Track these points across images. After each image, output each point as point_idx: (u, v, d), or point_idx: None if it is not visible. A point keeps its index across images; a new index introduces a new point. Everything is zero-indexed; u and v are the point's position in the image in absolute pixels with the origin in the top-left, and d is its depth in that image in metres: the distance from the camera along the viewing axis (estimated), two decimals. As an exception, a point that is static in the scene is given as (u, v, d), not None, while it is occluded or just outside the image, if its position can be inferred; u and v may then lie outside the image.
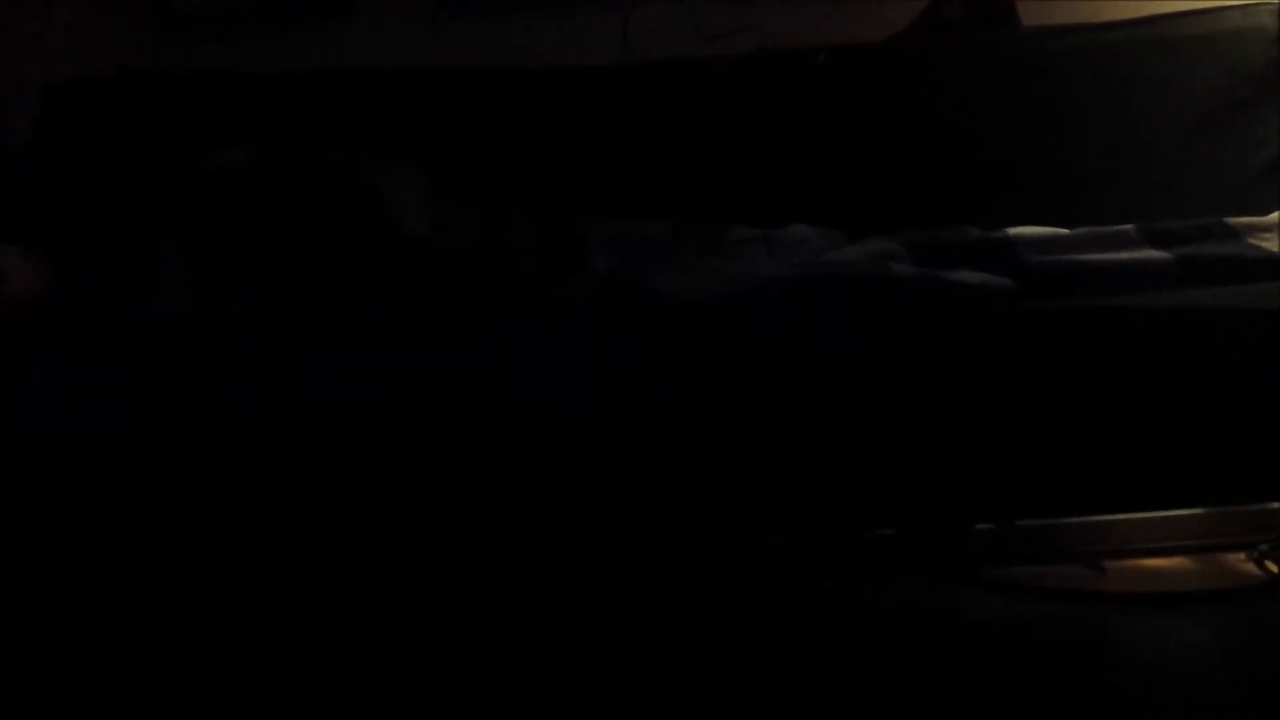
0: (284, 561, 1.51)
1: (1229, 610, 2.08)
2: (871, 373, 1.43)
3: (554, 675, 1.84)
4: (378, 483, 1.41)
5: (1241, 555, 2.28)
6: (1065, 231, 1.72)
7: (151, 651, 1.75)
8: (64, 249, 1.85)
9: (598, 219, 1.94)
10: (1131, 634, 2.01)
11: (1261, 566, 2.23)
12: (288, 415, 1.39)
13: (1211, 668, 1.92)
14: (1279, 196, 1.91)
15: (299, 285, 1.63)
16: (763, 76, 2.11)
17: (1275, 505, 2.29)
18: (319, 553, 1.48)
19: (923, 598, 2.15)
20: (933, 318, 1.47)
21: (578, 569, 2.01)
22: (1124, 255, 1.63)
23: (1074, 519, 2.26)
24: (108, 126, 2.06)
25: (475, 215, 1.91)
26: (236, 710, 1.74)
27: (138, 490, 1.38)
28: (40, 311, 1.63)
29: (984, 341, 1.45)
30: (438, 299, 1.62)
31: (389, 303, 1.57)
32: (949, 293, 1.52)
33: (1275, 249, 1.64)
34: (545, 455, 1.40)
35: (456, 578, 1.92)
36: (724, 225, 1.93)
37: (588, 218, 1.94)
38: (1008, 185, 2.05)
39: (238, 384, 1.40)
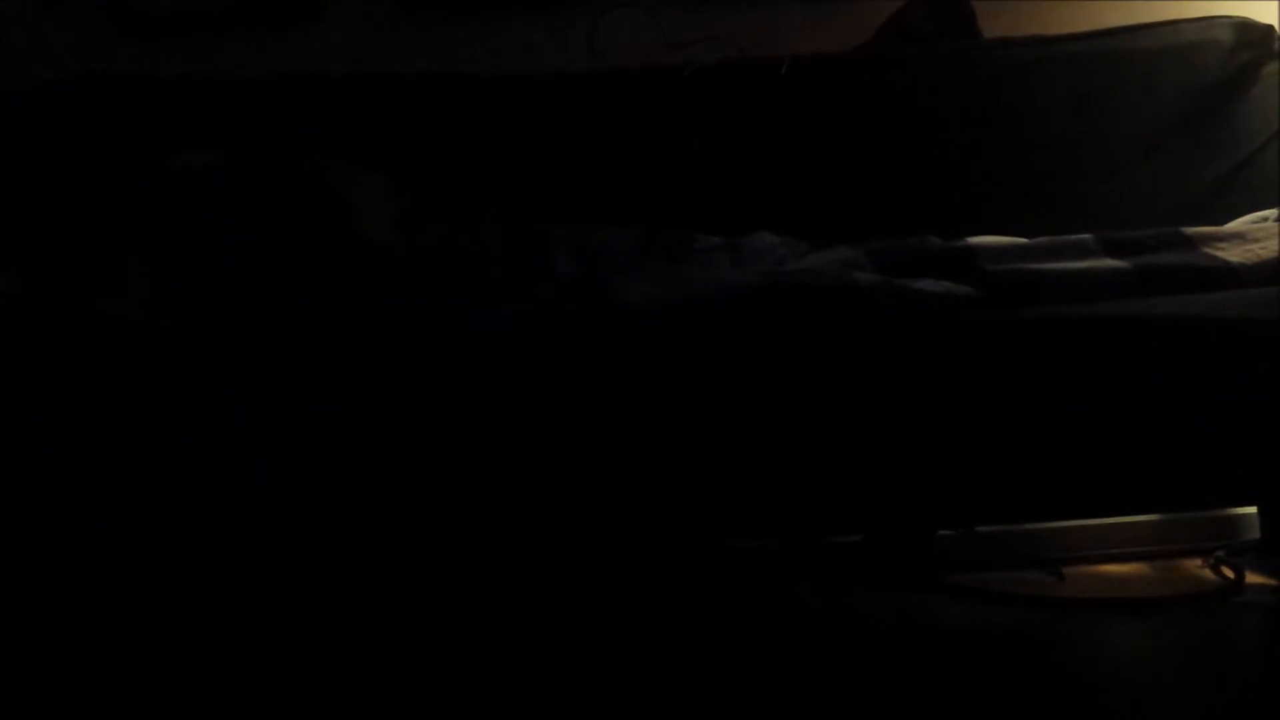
0: (281, 562, 1.51)
1: (1186, 616, 2.10)
2: (833, 381, 1.43)
3: (530, 676, 1.84)
4: (371, 483, 1.40)
5: (1198, 561, 2.30)
6: (1024, 240, 1.73)
7: (148, 651, 1.75)
8: (28, 252, 1.84)
9: (563, 225, 1.94)
10: (1091, 640, 2.02)
11: (1218, 572, 2.25)
12: (278, 414, 1.38)
13: (1169, 673, 1.93)
14: (1235, 206, 1.93)
15: (270, 286, 1.62)
16: (729, 85, 2.12)
17: (1231, 512, 2.32)
18: (313, 553, 1.47)
19: (889, 603, 2.17)
20: (895, 326, 1.48)
21: (554, 574, 2.01)
22: (1082, 264, 1.63)
23: (1033, 525, 2.28)
24: (69, 129, 2.05)
25: (441, 220, 1.90)
26: (236, 710, 1.73)
27: (108, 495, 1.37)
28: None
29: (945, 349, 1.45)
30: (432, 300, 1.61)
31: (382, 303, 1.56)
32: (911, 301, 1.53)
33: (1231, 259, 1.65)
34: (542, 455, 1.40)
35: (442, 579, 1.92)
36: (689, 233, 1.94)
37: (553, 224, 1.94)
38: (970, 194, 2.07)
39: (217, 385, 1.40)
